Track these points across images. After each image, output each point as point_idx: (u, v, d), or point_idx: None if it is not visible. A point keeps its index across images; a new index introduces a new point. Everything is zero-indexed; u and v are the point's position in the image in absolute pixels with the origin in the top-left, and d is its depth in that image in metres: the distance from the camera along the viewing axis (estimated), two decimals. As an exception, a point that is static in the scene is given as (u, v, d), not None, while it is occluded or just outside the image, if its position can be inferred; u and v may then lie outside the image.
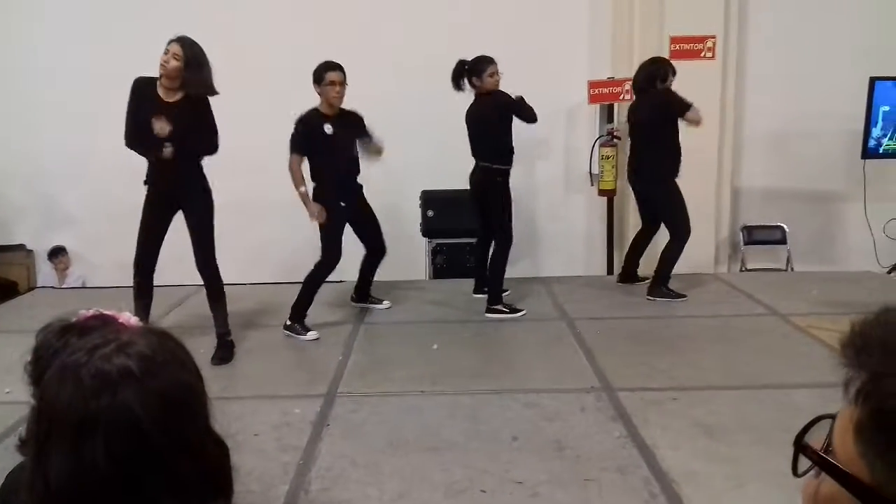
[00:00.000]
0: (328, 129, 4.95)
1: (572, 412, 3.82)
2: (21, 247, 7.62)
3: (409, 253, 7.09)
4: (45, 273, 7.58)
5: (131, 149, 4.46)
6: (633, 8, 6.98)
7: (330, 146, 4.97)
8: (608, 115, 6.91)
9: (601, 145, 6.86)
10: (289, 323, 5.02)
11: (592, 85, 6.80)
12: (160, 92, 4.41)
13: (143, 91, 4.42)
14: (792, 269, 7.24)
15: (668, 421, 3.69)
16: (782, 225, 7.36)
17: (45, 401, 0.90)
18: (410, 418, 3.80)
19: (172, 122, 4.31)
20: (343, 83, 4.92)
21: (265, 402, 4.01)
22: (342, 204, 5.04)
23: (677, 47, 6.50)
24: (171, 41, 4.33)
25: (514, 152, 5.39)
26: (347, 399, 4.06)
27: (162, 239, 4.61)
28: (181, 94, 4.39)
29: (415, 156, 6.79)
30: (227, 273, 6.38)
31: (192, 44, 4.32)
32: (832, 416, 0.80)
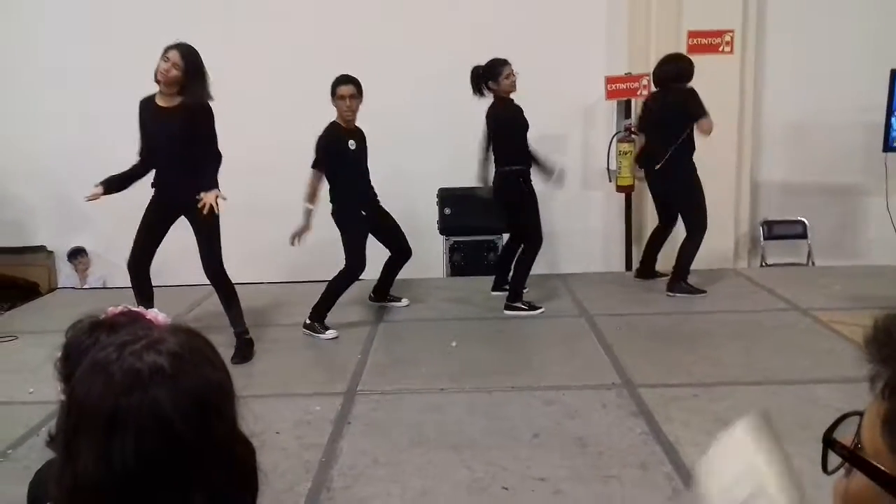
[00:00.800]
0: (352, 144, 5.03)
1: (593, 409, 3.81)
2: (42, 248, 7.69)
3: (426, 251, 7.08)
4: (65, 274, 7.64)
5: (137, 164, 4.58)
6: (651, 2, 6.94)
7: (352, 161, 5.05)
8: (626, 110, 6.87)
9: (619, 141, 6.82)
10: (308, 322, 5.04)
11: (610, 80, 6.76)
12: (158, 100, 4.43)
13: (144, 107, 4.48)
14: (813, 264, 7.17)
15: (690, 417, 3.67)
16: (803, 219, 7.29)
17: (75, 396, 0.91)
18: (431, 416, 3.81)
19: (169, 127, 4.35)
20: (354, 97, 4.93)
21: (286, 400, 4.03)
22: (363, 213, 5.11)
23: (695, 42, 6.46)
24: (169, 48, 4.31)
25: (531, 153, 5.40)
26: (368, 397, 4.07)
27: (159, 242, 4.63)
28: (179, 99, 4.39)
29: (432, 153, 6.80)
30: (244, 272, 6.41)
31: (192, 51, 4.33)
32: (860, 413, 0.79)
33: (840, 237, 7.44)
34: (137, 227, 4.61)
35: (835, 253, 7.24)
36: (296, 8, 7.04)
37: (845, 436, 0.81)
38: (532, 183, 5.39)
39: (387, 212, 5.33)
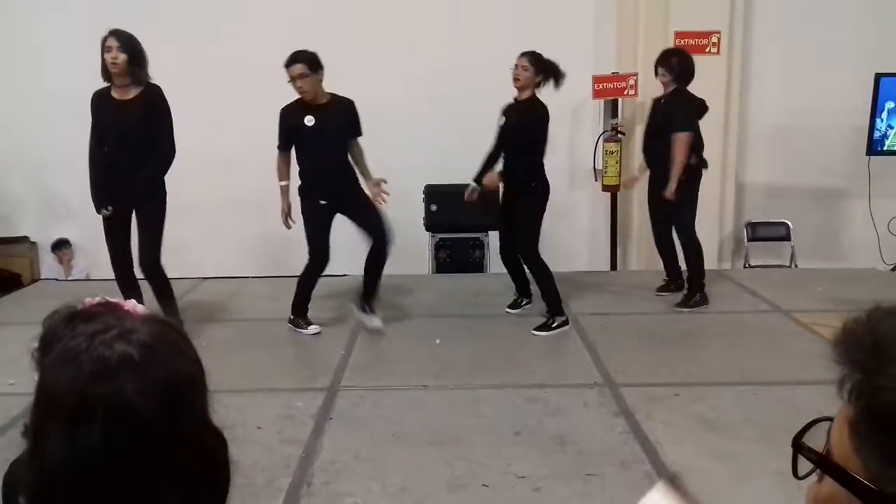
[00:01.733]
0: (309, 120, 4.72)
1: (575, 407, 3.83)
2: (25, 239, 7.63)
3: (411, 247, 7.08)
4: (48, 265, 7.59)
5: (91, 160, 4.55)
6: (639, 3, 6.96)
7: (310, 139, 4.75)
8: (612, 110, 6.89)
9: (605, 140, 6.84)
10: (291, 317, 5.02)
11: (597, 80, 6.78)
12: (114, 93, 4.40)
13: (98, 100, 4.44)
14: (796, 266, 7.22)
15: (671, 416, 3.69)
16: (786, 221, 7.34)
17: (45, 384, 0.90)
18: (413, 412, 3.81)
19: (126, 120, 4.34)
20: (303, 75, 4.61)
21: (267, 396, 4.02)
22: (322, 202, 4.81)
23: (682, 42, 6.47)
24: (106, 38, 4.30)
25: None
26: (350, 392, 4.07)
27: (127, 235, 4.59)
28: (137, 90, 4.36)
29: (418, 150, 6.79)
30: (227, 266, 6.41)
31: (129, 36, 4.32)
32: (830, 419, 0.80)
33: (823, 240, 7.49)
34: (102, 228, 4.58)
35: (818, 255, 7.29)
36: (280, 5, 7.01)
37: (817, 441, 0.81)
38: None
39: (364, 198, 4.88)
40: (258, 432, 3.55)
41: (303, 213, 4.86)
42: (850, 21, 6.97)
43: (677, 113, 5.26)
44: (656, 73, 5.41)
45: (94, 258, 7.36)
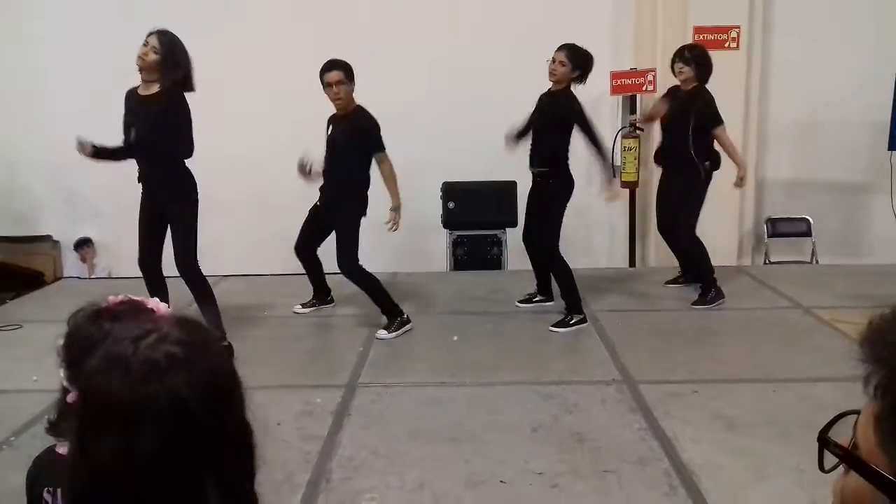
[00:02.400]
0: (329, 130, 4.94)
1: (593, 404, 3.83)
2: (48, 238, 7.73)
3: (429, 244, 7.11)
4: (71, 264, 7.68)
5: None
6: (657, -3, 6.93)
7: (327, 146, 4.94)
8: (631, 106, 6.87)
9: (623, 137, 6.82)
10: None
11: (615, 76, 6.76)
12: (140, 89, 4.41)
13: (128, 97, 4.45)
14: (817, 262, 7.16)
15: (689, 413, 3.68)
16: (807, 217, 7.28)
17: (93, 391, 0.93)
18: (431, 409, 3.83)
19: (145, 116, 4.31)
20: (340, 82, 4.70)
21: (287, 392, 4.05)
22: (317, 203, 5.06)
23: (701, 37, 6.44)
24: (150, 34, 4.30)
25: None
26: (368, 389, 4.09)
27: (159, 236, 4.55)
28: (157, 87, 4.35)
29: (436, 147, 6.80)
30: (247, 264, 6.45)
31: (172, 38, 4.30)
32: (857, 412, 0.80)
33: (844, 235, 7.43)
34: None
35: (839, 251, 7.23)
36: (297, 5, 7.05)
37: (843, 435, 0.82)
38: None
39: (339, 220, 4.87)
40: (278, 428, 3.58)
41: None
42: (869, 15, 6.91)
43: (711, 108, 5.24)
44: (674, 70, 5.37)
45: (117, 256, 7.45)
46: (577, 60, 4.84)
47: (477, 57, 6.47)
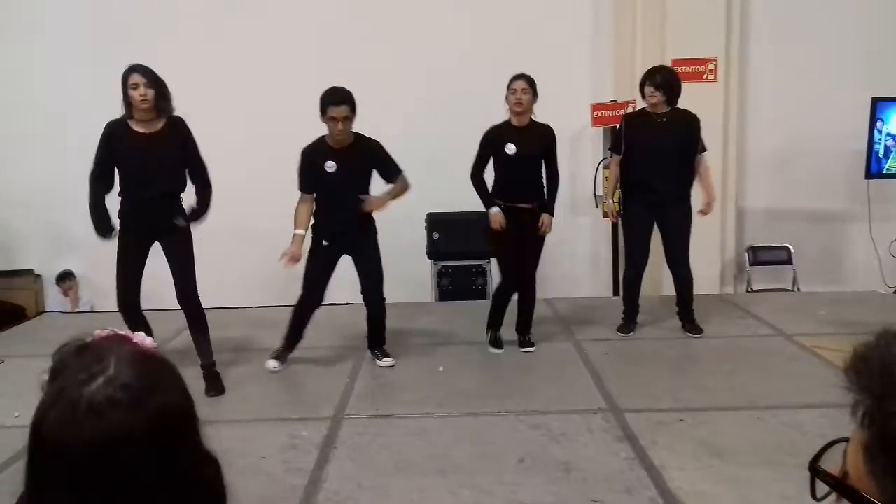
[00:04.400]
0: (330, 166, 4.57)
1: (579, 433, 3.83)
2: (29, 272, 7.67)
3: (414, 275, 7.11)
4: (53, 298, 7.62)
5: (93, 190, 4.40)
6: (636, 31, 7.04)
7: (330, 184, 4.61)
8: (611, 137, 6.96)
9: (605, 167, 6.89)
10: (277, 348, 4.88)
11: (595, 108, 6.85)
12: (135, 126, 4.27)
13: (115, 133, 4.30)
14: (798, 290, 7.23)
15: (675, 442, 3.69)
16: (788, 245, 7.36)
17: (34, 424, 0.92)
18: (417, 440, 3.81)
19: (158, 152, 4.25)
20: (348, 117, 4.48)
21: (272, 425, 4.02)
22: (324, 243, 4.72)
23: (679, 70, 6.52)
24: (131, 72, 4.19)
25: (504, 185, 5.06)
26: (354, 421, 4.07)
27: (141, 273, 4.48)
28: (162, 122, 4.28)
29: (420, 178, 6.82)
30: (232, 296, 6.40)
31: (150, 70, 4.23)
32: (846, 440, 0.82)
33: (825, 263, 7.51)
34: (116, 263, 4.46)
35: (820, 278, 7.31)
36: (273, 38, 7.09)
37: (833, 462, 0.83)
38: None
39: (373, 252, 4.79)
40: (263, 462, 3.56)
41: (310, 247, 4.76)
42: (844, 45, 7.05)
43: (697, 133, 5.25)
44: (644, 94, 5.30)
45: (100, 290, 7.40)
46: (535, 86, 4.86)
47: (459, 90, 6.53)
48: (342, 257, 4.82)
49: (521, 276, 5.11)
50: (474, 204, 5.46)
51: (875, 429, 0.75)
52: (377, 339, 5.00)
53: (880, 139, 6.74)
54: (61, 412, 0.90)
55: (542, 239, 5.10)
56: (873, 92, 6.62)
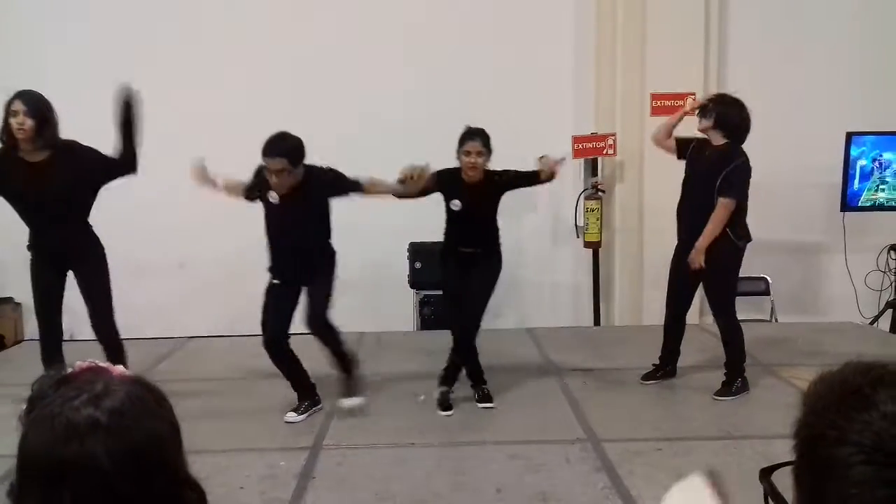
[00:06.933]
0: (273, 197, 4.34)
1: (557, 463, 3.84)
2: (9, 300, 7.61)
3: (396, 304, 7.13)
4: (32, 326, 7.53)
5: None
6: (616, 64, 7.16)
7: (274, 217, 4.40)
8: (592, 168, 7.05)
9: (586, 198, 6.98)
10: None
11: (576, 140, 6.94)
12: (24, 156, 4.11)
13: (4, 165, 4.15)
14: (776, 320, 7.30)
15: (652, 471, 3.71)
16: (766, 276, 7.44)
17: (20, 446, 0.94)
18: (396, 470, 3.81)
19: (52, 181, 4.09)
20: (280, 171, 4.17)
21: (250, 455, 4.01)
22: (275, 281, 4.53)
23: (658, 104, 6.64)
24: (13, 99, 4.02)
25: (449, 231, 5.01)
26: (333, 451, 4.07)
27: (60, 306, 4.38)
28: (47, 152, 4.10)
29: (403, 207, 6.86)
30: (215, 326, 6.39)
31: (36, 97, 4.08)
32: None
33: (802, 294, 7.60)
34: (33, 300, 4.37)
35: (797, 309, 7.39)
36: (253, 65, 7.12)
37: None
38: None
39: (323, 282, 4.50)
40: (241, 492, 3.55)
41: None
42: (819, 81, 7.19)
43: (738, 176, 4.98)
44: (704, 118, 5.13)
45: (80, 318, 7.35)
46: (489, 143, 4.66)
47: (439, 123, 6.59)
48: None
49: (457, 318, 4.95)
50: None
51: (796, 457, 0.79)
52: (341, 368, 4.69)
53: (866, 164, 6.83)
54: (42, 429, 0.92)
55: (489, 281, 4.82)
56: (848, 126, 6.76)
